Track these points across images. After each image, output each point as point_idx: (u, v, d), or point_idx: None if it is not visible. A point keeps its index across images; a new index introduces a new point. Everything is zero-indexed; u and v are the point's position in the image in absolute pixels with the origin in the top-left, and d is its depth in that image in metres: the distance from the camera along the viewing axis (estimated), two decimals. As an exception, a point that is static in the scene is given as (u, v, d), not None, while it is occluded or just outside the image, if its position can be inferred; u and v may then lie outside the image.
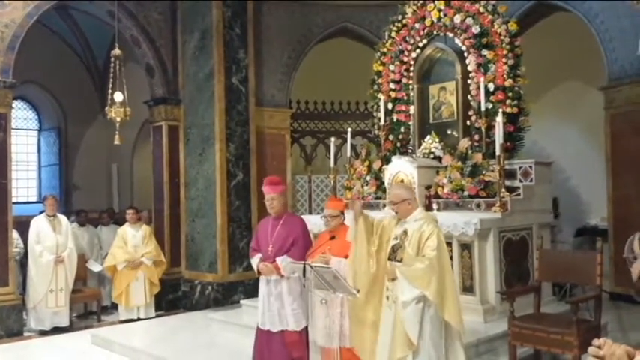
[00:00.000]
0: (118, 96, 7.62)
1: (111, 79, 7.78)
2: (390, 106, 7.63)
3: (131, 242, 8.42)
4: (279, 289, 4.88)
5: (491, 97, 6.53)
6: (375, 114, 7.89)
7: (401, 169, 6.73)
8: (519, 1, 8.30)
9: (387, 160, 7.26)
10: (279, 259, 4.82)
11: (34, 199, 12.92)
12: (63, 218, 8.22)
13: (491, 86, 6.55)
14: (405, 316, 3.93)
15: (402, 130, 7.56)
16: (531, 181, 6.41)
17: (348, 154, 7.85)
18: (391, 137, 7.59)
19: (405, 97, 7.56)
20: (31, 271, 7.84)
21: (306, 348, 4.90)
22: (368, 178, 7.46)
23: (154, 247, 8.57)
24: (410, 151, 7.43)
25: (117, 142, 7.79)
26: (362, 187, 7.46)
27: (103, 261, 9.27)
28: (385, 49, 7.77)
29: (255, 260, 5.01)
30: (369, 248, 4.26)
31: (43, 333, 7.72)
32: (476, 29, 6.75)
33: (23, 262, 8.32)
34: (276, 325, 4.89)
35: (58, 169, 13.15)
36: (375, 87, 7.85)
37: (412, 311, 3.93)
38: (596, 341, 1.74)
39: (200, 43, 9.04)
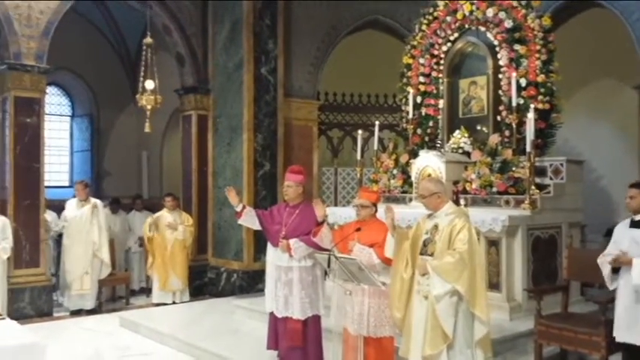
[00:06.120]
0: (149, 84, 7.72)
1: (142, 67, 7.89)
2: (418, 99, 7.59)
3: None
4: (290, 276, 4.96)
5: (523, 93, 6.46)
6: (403, 107, 7.86)
7: (428, 163, 6.70)
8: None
9: (414, 154, 7.23)
10: (292, 241, 4.91)
11: (66, 184, 13.18)
12: (95, 202, 8.28)
13: (523, 82, 6.47)
14: (439, 309, 3.93)
15: (431, 124, 7.52)
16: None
17: (375, 147, 7.84)
18: (419, 131, 7.56)
19: (435, 91, 7.51)
20: (64, 253, 8.07)
21: (311, 338, 4.96)
22: (395, 171, 7.44)
23: (192, 227, 8.72)
24: (438, 145, 7.38)
25: (147, 129, 7.90)
26: (388, 180, 7.45)
27: (134, 246, 9.51)
28: (415, 42, 7.73)
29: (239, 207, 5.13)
30: (403, 274, 4.23)
31: (73, 314, 7.91)
32: (509, 23, 6.67)
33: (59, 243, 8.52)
34: (281, 311, 4.98)
35: (89, 154, 13.38)
36: (404, 80, 7.82)
37: (446, 305, 3.93)
38: None
39: (230, 33, 9.08)
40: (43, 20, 7.92)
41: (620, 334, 4.37)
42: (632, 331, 4.29)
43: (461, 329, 3.96)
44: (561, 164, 6.36)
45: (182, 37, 9.42)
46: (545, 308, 5.01)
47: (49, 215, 8.36)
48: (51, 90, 12.81)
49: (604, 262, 4.45)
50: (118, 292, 9.07)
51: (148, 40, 7.84)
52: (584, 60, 8.62)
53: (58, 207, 8.32)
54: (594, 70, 8.99)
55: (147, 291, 9.23)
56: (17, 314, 7.09)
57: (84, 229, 7.99)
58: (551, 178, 6.36)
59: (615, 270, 4.40)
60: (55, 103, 13.53)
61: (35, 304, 7.71)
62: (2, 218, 7.30)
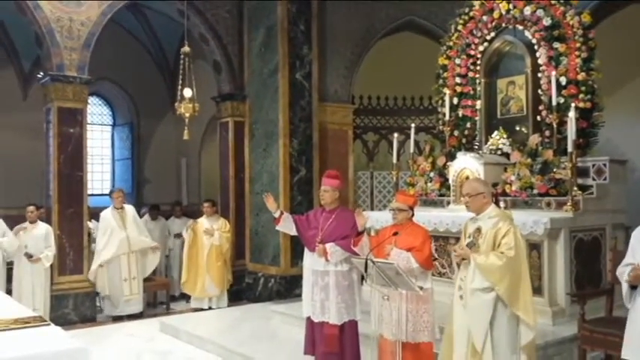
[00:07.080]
0: (187, 92, 7.82)
1: (180, 76, 8.00)
2: (455, 101, 7.49)
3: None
4: (326, 280, 4.97)
5: (563, 92, 6.30)
6: (439, 109, 7.76)
7: (466, 165, 6.60)
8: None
9: (451, 157, 7.13)
10: (328, 245, 4.91)
11: (108, 192, 13.48)
12: (130, 209, 8.48)
13: (563, 80, 6.32)
14: (472, 305, 3.84)
15: (468, 125, 7.41)
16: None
17: (411, 150, 7.76)
18: (456, 133, 7.46)
19: (472, 92, 7.40)
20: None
21: (348, 343, 4.93)
22: (432, 174, 7.36)
23: (228, 233, 8.75)
24: (476, 147, 7.26)
25: (186, 137, 7.99)
26: (425, 183, 7.37)
27: (173, 242, 9.67)
28: (451, 43, 7.63)
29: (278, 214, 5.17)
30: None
31: (116, 319, 8.07)
32: (547, 21, 6.53)
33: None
34: (317, 316, 4.98)
35: (130, 162, 13.68)
36: (440, 81, 7.73)
37: (480, 300, 3.83)
38: None
39: (265, 39, 9.16)
40: (84, 32, 8.14)
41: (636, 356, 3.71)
42: None
43: (505, 335, 3.87)
44: (604, 164, 6.17)
45: (219, 45, 9.57)
46: (588, 312, 4.87)
47: (92, 223, 8.56)
48: (93, 100, 13.17)
49: (622, 274, 3.74)
50: (159, 297, 9.22)
51: (186, 49, 7.94)
52: (625, 57, 8.37)
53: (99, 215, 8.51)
54: (636, 67, 8.73)
55: (187, 297, 9.32)
56: (61, 320, 7.27)
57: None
58: (593, 179, 6.18)
59: (634, 286, 3.71)
60: (97, 112, 13.88)
61: (79, 310, 7.91)
62: (46, 226, 7.52)
